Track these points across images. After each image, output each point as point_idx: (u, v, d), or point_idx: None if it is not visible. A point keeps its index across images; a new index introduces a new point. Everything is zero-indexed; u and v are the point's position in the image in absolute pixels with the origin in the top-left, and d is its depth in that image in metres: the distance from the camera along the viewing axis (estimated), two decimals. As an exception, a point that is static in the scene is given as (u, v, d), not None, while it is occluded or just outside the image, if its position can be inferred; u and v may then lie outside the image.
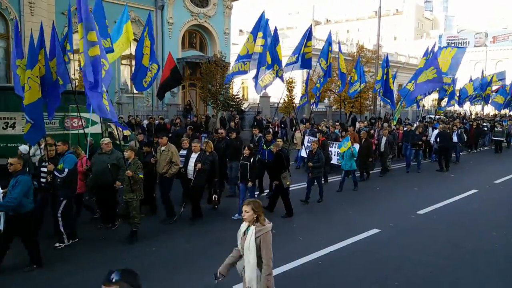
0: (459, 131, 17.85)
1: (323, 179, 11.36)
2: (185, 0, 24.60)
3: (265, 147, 10.47)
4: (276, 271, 6.04)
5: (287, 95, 22.48)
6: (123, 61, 22.33)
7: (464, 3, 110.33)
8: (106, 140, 8.22)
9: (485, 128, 23.50)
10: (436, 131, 16.79)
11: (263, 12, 10.75)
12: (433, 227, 8.55)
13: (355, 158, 11.66)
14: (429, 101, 30.01)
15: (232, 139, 10.90)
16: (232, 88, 23.15)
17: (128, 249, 7.03)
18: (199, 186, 8.50)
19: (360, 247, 7.30)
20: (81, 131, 10.19)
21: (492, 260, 6.83)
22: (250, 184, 8.68)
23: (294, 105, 23.29)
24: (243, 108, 24.62)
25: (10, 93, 10.50)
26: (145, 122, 17.58)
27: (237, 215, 8.61)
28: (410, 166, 14.97)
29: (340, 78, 17.56)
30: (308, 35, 12.01)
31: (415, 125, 18.43)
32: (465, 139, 19.30)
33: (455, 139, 17.06)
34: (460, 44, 61.21)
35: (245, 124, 23.75)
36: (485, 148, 23.32)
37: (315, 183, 10.32)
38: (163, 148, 8.77)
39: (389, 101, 18.09)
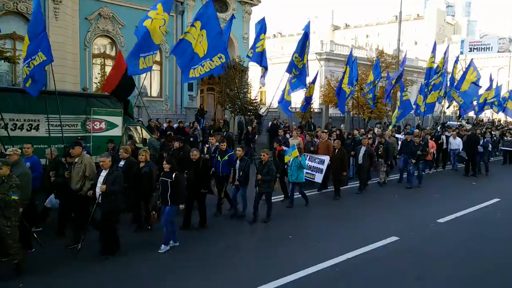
0: (485, 139, 17.23)
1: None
2: (205, 6, 24.81)
3: (219, 158, 9.21)
4: (291, 277, 6.06)
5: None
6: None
7: (487, 7, 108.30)
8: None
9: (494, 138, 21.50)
10: (455, 140, 16.51)
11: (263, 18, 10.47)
12: (454, 236, 8.36)
13: (304, 170, 10.37)
14: (451, 107, 29.37)
15: (175, 149, 9.56)
16: (250, 92, 23.21)
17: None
18: (109, 212, 6.69)
19: (377, 254, 7.19)
20: (102, 133, 10.38)
21: (516, 272, 6.62)
22: (182, 207, 7.21)
23: (312, 110, 23.21)
24: (261, 113, 24.66)
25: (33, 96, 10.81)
26: (165, 125, 17.79)
27: (163, 246, 7.06)
28: (403, 178, 13.55)
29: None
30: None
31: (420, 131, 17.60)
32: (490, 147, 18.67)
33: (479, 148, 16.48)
34: (483, 50, 60.05)
35: (262, 128, 23.78)
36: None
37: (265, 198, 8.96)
38: (76, 159, 7.38)
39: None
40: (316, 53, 31.40)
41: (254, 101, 22.89)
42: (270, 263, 6.69)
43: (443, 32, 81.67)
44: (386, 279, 6.21)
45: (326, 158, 11.31)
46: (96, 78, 18.76)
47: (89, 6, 19.79)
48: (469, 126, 24.42)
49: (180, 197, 7.13)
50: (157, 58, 23.12)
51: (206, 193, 8.43)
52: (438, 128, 20.74)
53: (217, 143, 10.04)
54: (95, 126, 11.39)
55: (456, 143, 16.61)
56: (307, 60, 12.00)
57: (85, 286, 5.81)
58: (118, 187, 6.66)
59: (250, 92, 23.12)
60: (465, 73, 18.04)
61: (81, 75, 19.39)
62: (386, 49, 33.24)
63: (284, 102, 13.87)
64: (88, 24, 19.99)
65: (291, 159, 9.91)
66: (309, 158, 11.49)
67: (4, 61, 14.31)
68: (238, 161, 9.08)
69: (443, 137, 17.11)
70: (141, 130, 13.05)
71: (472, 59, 16.46)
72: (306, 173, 11.12)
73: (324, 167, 11.26)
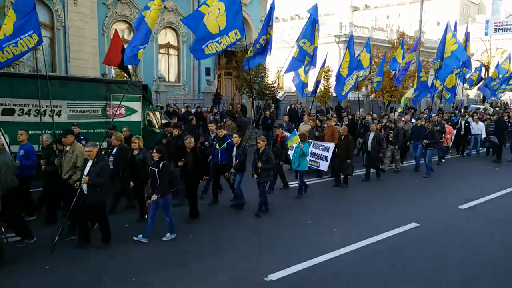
0: None
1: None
2: (222, -12, 24.55)
3: (217, 146, 8.85)
4: (310, 263, 6.09)
5: (323, 83, 22.11)
6: (161, 50, 22.70)
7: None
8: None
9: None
10: (477, 124, 15.95)
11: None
12: (476, 223, 8.22)
13: (308, 157, 10.06)
14: (474, 90, 28.57)
15: (174, 136, 9.23)
16: (268, 77, 23.05)
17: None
18: (95, 205, 6.46)
19: (397, 241, 7.14)
20: (122, 119, 10.48)
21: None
22: (154, 198, 6.72)
23: (330, 94, 22.91)
24: (278, 97, 24.50)
25: (56, 82, 10.99)
26: (182, 110, 17.86)
27: (140, 236, 6.80)
28: (419, 167, 12.94)
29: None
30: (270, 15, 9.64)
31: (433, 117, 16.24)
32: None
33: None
34: (509, 30, 57.72)
35: (280, 113, 23.66)
36: None
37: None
38: (67, 148, 7.13)
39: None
40: (334, 36, 30.80)
41: (272, 85, 22.73)
42: (291, 248, 6.72)
43: (467, 12, 78.84)
44: (406, 264, 6.16)
45: (331, 145, 10.94)
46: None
47: (107, -9, 19.83)
48: (490, 110, 23.62)
49: (167, 188, 6.86)
50: (174, 42, 23.11)
51: (199, 182, 8.30)
52: (456, 112, 20.20)
53: (216, 131, 9.32)
54: (115, 112, 11.53)
55: (479, 127, 16.09)
56: (318, 44, 11.14)
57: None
58: (103, 179, 6.32)
59: (268, 77, 22.95)
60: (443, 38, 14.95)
61: (100, 60, 19.55)
62: (408, 31, 32.29)
63: (300, 82, 13.57)
64: (106, 9, 20.03)
65: (294, 146, 9.59)
66: (313, 145, 11.16)
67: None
68: (235, 148, 8.67)
69: (463, 122, 16.30)
70: (160, 116, 13.14)
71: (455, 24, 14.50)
72: (310, 160, 10.83)
73: (329, 154, 10.93)
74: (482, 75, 22.32)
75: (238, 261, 6.18)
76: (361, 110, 19.01)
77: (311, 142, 11.10)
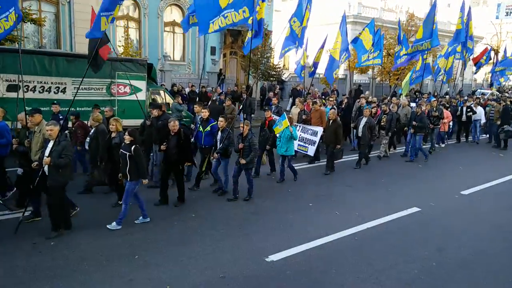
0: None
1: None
2: (229, -35, 24.09)
3: (201, 128, 8.57)
4: (311, 244, 6.18)
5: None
6: (167, 28, 22.45)
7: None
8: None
9: None
10: (476, 109, 15.37)
11: None
12: (477, 209, 8.26)
13: (295, 141, 9.74)
14: (482, 74, 28.20)
15: (153, 117, 8.75)
16: (273, 57, 22.82)
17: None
18: (55, 187, 6.09)
19: (398, 225, 7.20)
20: (127, 97, 10.50)
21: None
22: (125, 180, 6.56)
23: (336, 76, 22.68)
24: (283, 78, 24.30)
25: (60, 58, 10.97)
26: (187, 89, 17.79)
27: (114, 223, 6.52)
28: (415, 154, 12.22)
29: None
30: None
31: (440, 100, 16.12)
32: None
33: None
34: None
35: (285, 94, 23.52)
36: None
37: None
38: (36, 128, 6.68)
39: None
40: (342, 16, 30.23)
41: (277, 66, 22.51)
42: (290, 230, 6.81)
43: (479, -6, 77.02)
44: (405, 249, 6.23)
45: (319, 130, 10.58)
46: (120, 41, 18.72)
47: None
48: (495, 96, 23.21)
49: (141, 172, 6.58)
50: (179, 19, 22.83)
51: (187, 166, 8.04)
52: (458, 97, 19.81)
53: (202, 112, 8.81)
54: (119, 90, 11.54)
55: (478, 112, 15.50)
56: (306, 25, 11.17)
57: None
58: (64, 160, 5.95)
59: (273, 57, 22.72)
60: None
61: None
62: (417, 12, 31.63)
63: (298, 66, 13.50)
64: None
65: (282, 129, 9.02)
66: (301, 129, 10.80)
67: (30, 23, 14.43)
68: (219, 132, 8.31)
69: (464, 108, 15.51)
70: (165, 95, 13.14)
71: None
72: (299, 145, 10.68)
73: (317, 139, 10.58)
74: (492, 58, 21.97)
75: (239, 242, 6.27)
76: (367, 92, 18.85)
77: (300, 126, 10.88)
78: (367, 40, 14.78)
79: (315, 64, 14.35)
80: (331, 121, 10.38)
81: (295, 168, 9.80)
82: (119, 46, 18.29)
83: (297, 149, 10.56)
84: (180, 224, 6.84)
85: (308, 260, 5.74)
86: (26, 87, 10.08)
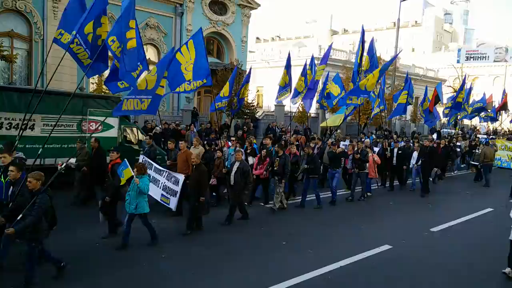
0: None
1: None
2: (204, 8, 24.93)
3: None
4: (284, 284, 6.05)
5: (301, 104, 22.41)
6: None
7: (485, 16, 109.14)
8: None
9: (458, 149, 18.70)
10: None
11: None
12: (447, 246, 8.39)
13: (159, 190, 8.89)
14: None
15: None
16: (247, 96, 23.26)
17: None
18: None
19: (371, 263, 7.20)
20: (98, 134, 10.34)
21: (510, 284, 6.65)
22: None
23: (308, 115, 23.25)
24: (257, 116, 24.65)
25: (29, 95, 10.78)
26: (158, 127, 17.71)
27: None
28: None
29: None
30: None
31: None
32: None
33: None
34: (479, 59, 60.48)
35: (259, 132, 23.78)
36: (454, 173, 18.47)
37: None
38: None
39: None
40: (314, 58, 31.45)
41: (251, 104, 22.89)
42: (264, 269, 6.68)
43: (440, 40, 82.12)
44: (379, 287, 6.21)
45: (181, 178, 8.81)
46: (94, 78, 18.68)
47: (87, 5, 19.73)
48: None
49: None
50: (155, 59, 23.14)
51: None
52: (394, 136, 19.32)
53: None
54: (91, 127, 11.37)
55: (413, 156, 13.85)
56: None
57: None
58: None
59: (247, 96, 23.14)
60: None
61: (78, 74, 19.32)
62: (384, 56, 33.37)
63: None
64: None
65: (132, 181, 7.21)
66: (167, 176, 9.14)
67: (1, 60, 14.26)
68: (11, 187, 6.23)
69: (395, 149, 13.96)
70: (137, 132, 13.03)
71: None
72: (162, 196, 9.09)
73: (178, 188, 8.74)
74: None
75: (210, 285, 6.08)
76: (338, 131, 19.25)
77: (166, 172, 9.24)
78: (334, 89, 16.26)
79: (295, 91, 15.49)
80: (194, 167, 8.47)
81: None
82: (92, 83, 18.25)
83: (160, 200, 9.11)
84: (148, 267, 6.61)
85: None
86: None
